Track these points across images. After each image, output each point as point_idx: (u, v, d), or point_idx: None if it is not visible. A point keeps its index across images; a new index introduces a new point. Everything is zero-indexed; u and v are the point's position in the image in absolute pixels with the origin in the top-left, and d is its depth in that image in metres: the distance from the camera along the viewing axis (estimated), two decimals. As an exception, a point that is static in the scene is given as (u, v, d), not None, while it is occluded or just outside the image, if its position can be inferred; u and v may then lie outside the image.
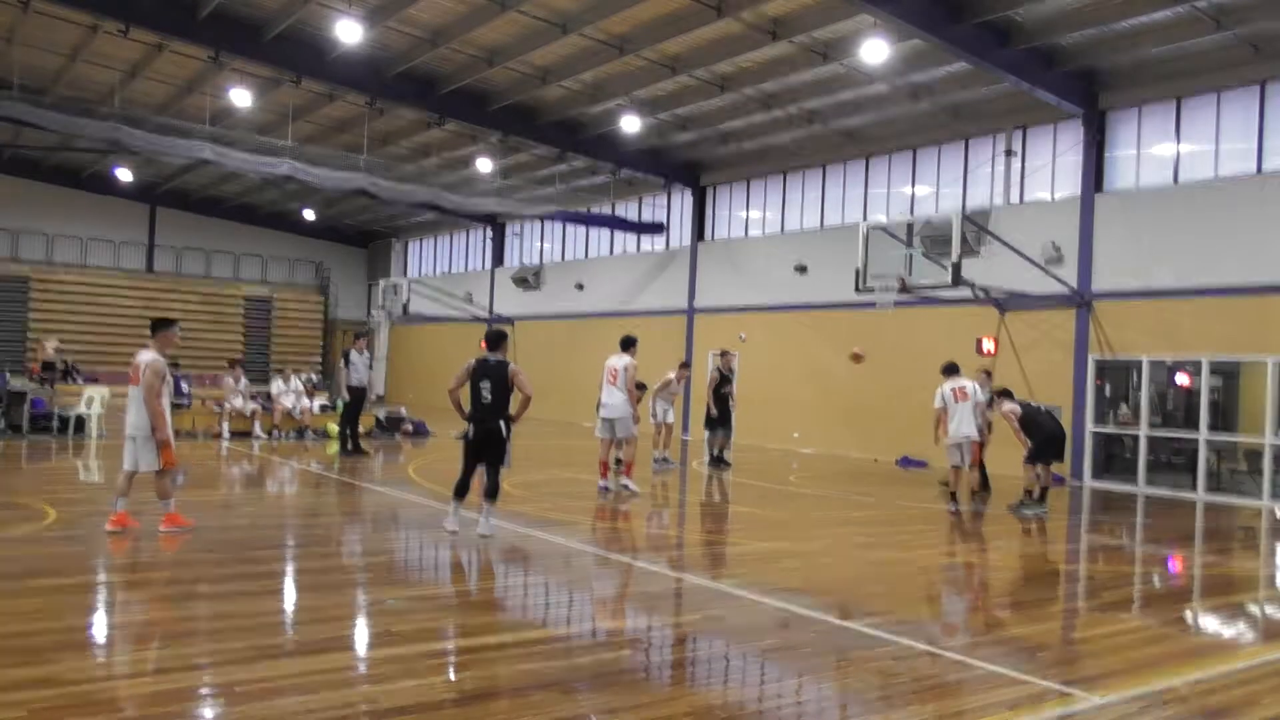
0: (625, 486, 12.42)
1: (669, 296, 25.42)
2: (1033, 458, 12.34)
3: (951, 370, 12.34)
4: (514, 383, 8.93)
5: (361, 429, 20.07)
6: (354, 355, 16.84)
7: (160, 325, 8.72)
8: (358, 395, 16.74)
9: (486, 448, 8.89)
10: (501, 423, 8.89)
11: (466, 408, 8.92)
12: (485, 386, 8.80)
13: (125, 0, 17.13)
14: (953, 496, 12.10)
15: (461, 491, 8.92)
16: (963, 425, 11.94)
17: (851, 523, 11.30)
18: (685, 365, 16.92)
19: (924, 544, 9.97)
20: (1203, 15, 14.01)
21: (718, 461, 16.69)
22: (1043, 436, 12.39)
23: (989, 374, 13.89)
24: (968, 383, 12.21)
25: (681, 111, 20.70)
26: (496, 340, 9.13)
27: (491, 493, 8.86)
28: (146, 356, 8.38)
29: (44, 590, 6.36)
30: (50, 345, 21.98)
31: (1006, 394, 12.97)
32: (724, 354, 17.49)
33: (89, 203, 33.41)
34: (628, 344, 12.83)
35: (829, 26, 15.78)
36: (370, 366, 17.63)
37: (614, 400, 12.53)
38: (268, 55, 18.73)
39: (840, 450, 20.33)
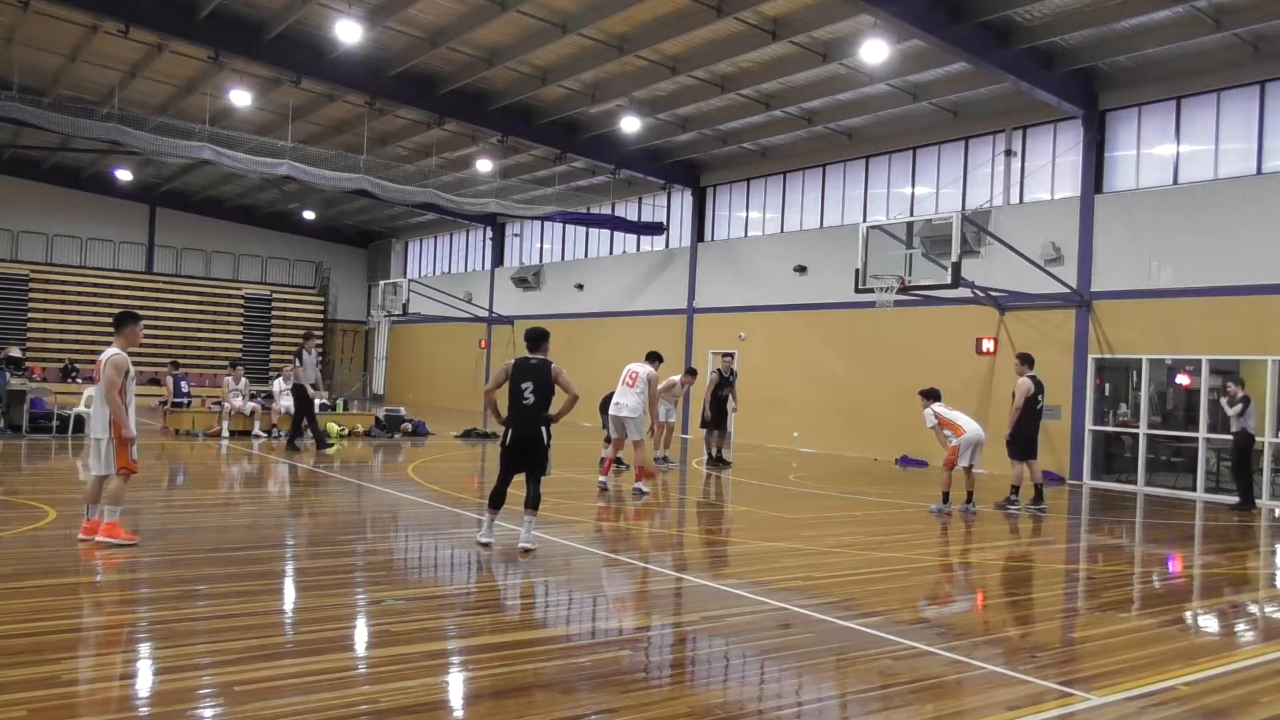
0: (637, 489, 12.50)
1: (669, 296, 25.42)
2: (1018, 454, 12.23)
3: (935, 395, 12.27)
4: (558, 382, 8.37)
5: (361, 428, 20.13)
6: (305, 355, 17.06)
7: (123, 320, 8.23)
8: (304, 393, 16.99)
9: (528, 455, 8.33)
10: (543, 427, 8.35)
11: (503, 411, 8.40)
12: (527, 388, 8.24)
13: (125, 0, 17.14)
14: (969, 496, 12.05)
15: (497, 502, 8.36)
16: (973, 427, 11.92)
17: (851, 523, 11.29)
18: (691, 372, 16.96)
19: (924, 544, 9.97)
20: (1203, 15, 14.02)
21: (717, 461, 16.76)
22: (1027, 428, 12.24)
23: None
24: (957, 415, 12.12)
25: (681, 111, 20.70)
26: (537, 340, 8.52)
27: (534, 503, 8.34)
28: (108, 352, 8.02)
29: (44, 590, 6.36)
30: (14, 350, 22.31)
31: (1027, 361, 12.54)
32: (725, 356, 17.72)
33: (89, 203, 33.43)
34: (654, 357, 13.67)
35: (829, 26, 15.80)
36: (318, 363, 17.94)
37: (628, 401, 12.85)
38: (268, 55, 18.74)
39: (840, 450, 20.33)
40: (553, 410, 8.44)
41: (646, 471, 12.98)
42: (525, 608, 6.77)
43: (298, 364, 17.02)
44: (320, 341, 18.42)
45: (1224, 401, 13.56)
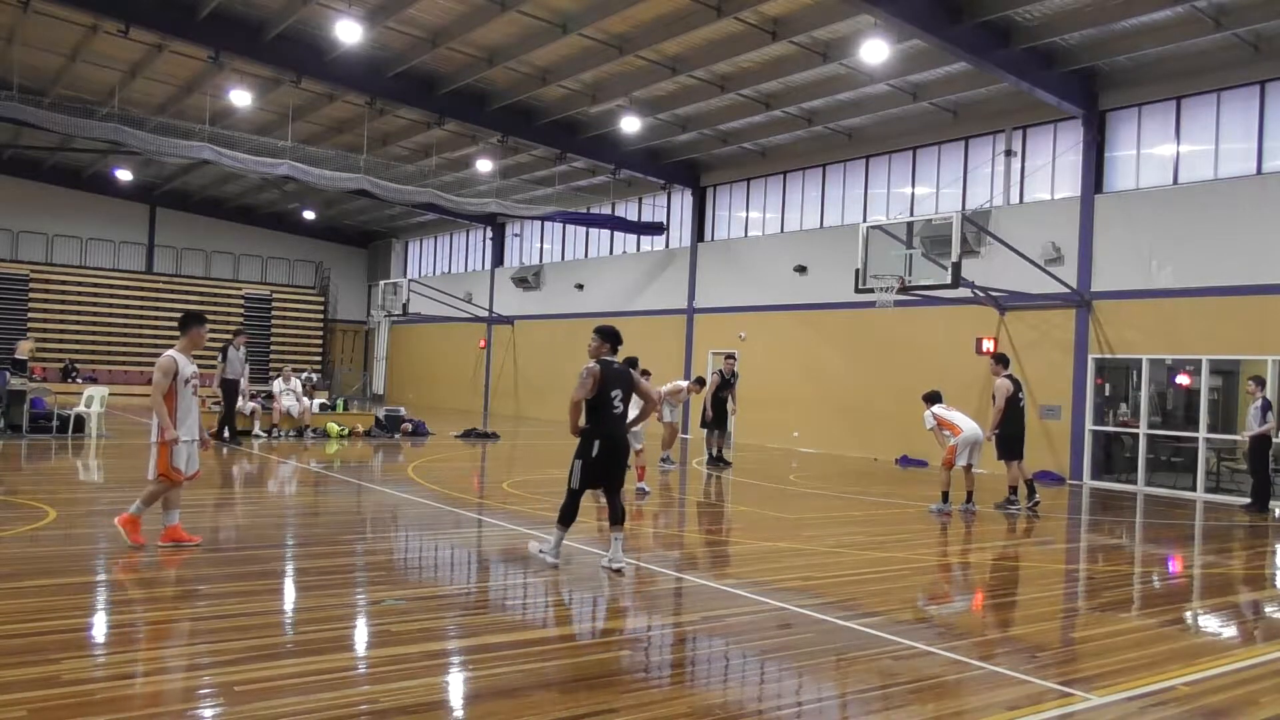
0: (640, 489, 12.52)
1: (669, 296, 25.42)
2: (1005, 454, 12.25)
3: (935, 398, 12.38)
4: (638, 389, 7.86)
5: (361, 428, 20.14)
6: (231, 351, 17.32)
7: (187, 321, 8.01)
8: (231, 389, 17.22)
9: (616, 467, 7.71)
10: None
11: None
12: (617, 396, 7.61)
13: (125, 0, 17.15)
14: (969, 496, 12.03)
15: (571, 518, 7.68)
16: (970, 427, 11.95)
17: (851, 523, 11.30)
18: (700, 381, 16.88)
19: (924, 544, 9.97)
20: (1203, 15, 14.02)
21: (716, 461, 16.79)
22: (1012, 428, 12.25)
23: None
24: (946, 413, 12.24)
25: (681, 111, 20.70)
26: (619, 339, 7.86)
27: (621, 517, 7.78)
28: (163, 355, 7.85)
29: (44, 590, 6.36)
30: (26, 347, 22.22)
31: (1003, 361, 12.63)
32: (727, 357, 17.77)
33: (89, 203, 33.45)
34: (631, 365, 13.08)
35: (829, 26, 15.80)
36: (245, 361, 18.21)
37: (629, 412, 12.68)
38: (268, 55, 18.75)
39: (840, 449, 20.32)
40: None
41: (641, 468, 12.94)
42: (525, 608, 6.77)
43: (221, 360, 17.20)
44: (248, 338, 18.81)
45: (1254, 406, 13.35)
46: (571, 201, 27.45)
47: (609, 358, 7.74)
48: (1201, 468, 14.77)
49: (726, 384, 17.22)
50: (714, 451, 17.03)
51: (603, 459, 7.59)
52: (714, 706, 4.71)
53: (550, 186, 26.17)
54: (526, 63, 19.02)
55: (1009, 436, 12.25)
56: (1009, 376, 12.40)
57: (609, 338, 7.81)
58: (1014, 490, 12.36)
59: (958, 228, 14.97)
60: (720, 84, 18.98)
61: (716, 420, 17.10)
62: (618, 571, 7.57)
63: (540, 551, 7.78)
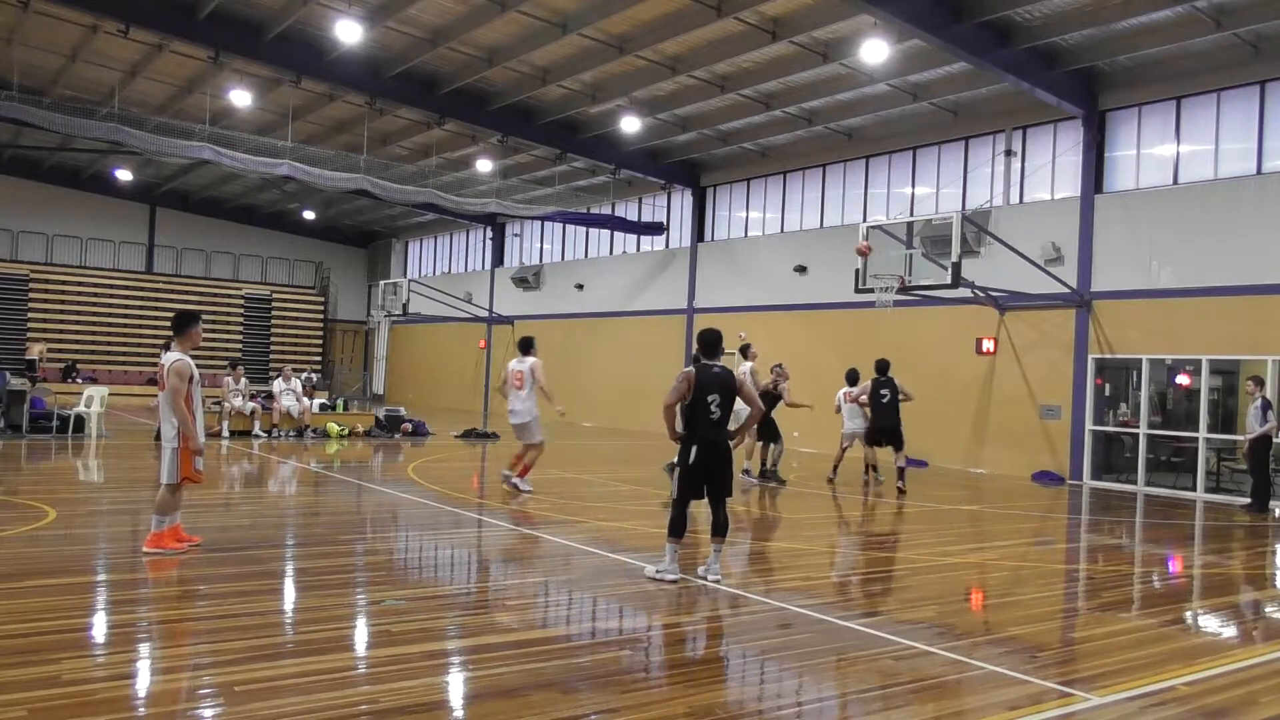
0: (517, 485, 12.20)
1: (669, 296, 25.42)
2: (869, 439, 14.76)
3: (851, 379, 14.95)
4: (740, 394, 7.64)
5: (361, 428, 20.12)
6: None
7: (184, 321, 7.93)
8: None
9: (718, 474, 7.50)
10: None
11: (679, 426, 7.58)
12: (714, 400, 7.39)
13: (125, 0, 17.15)
14: (835, 469, 14.89)
15: (681, 530, 7.44)
16: (848, 422, 15.04)
17: (852, 523, 11.29)
18: (746, 348, 15.15)
19: (922, 544, 9.97)
20: (1203, 15, 14.02)
21: (768, 474, 15.21)
22: (874, 420, 14.44)
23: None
24: (855, 389, 14.90)
25: (681, 111, 20.70)
26: (717, 344, 7.69)
27: (723, 529, 7.55)
28: (169, 357, 7.76)
29: (44, 590, 6.36)
30: (37, 349, 22.21)
31: (878, 365, 14.67)
32: (775, 366, 15.89)
33: (89, 203, 33.44)
34: (528, 346, 12.58)
35: (829, 26, 15.80)
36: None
37: (518, 406, 12.29)
38: (268, 55, 18.75)
39: (840, 450, 20.29)
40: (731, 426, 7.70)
41: (526, 466, 12.45)
42: (525, 608, 6.77)
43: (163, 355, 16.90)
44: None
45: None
46: (571, 201, 27.44)
47: (707, 363, 7.55)
48: (1201, 468, 14.77)
49: (779, 398, 15.38)
50: (767, 464, 15.21)
51: (701, 466, 7.38)
52: (714, 706, 4.71)
53: (550, 186, 26.17)
54: (526, 63, 19.02)
55: (874, 428, 14.47)
56: (874, 379, 14.41)
57: (707, 343, 7.68)
58: (871, 468, 14.68)
59: (958, 228, 14.97)
60: (720, 84, 18.98)
61: (768, 436, 15.10)
62: (714, 583, 7.35)
63: (657, 573, 7.39)
